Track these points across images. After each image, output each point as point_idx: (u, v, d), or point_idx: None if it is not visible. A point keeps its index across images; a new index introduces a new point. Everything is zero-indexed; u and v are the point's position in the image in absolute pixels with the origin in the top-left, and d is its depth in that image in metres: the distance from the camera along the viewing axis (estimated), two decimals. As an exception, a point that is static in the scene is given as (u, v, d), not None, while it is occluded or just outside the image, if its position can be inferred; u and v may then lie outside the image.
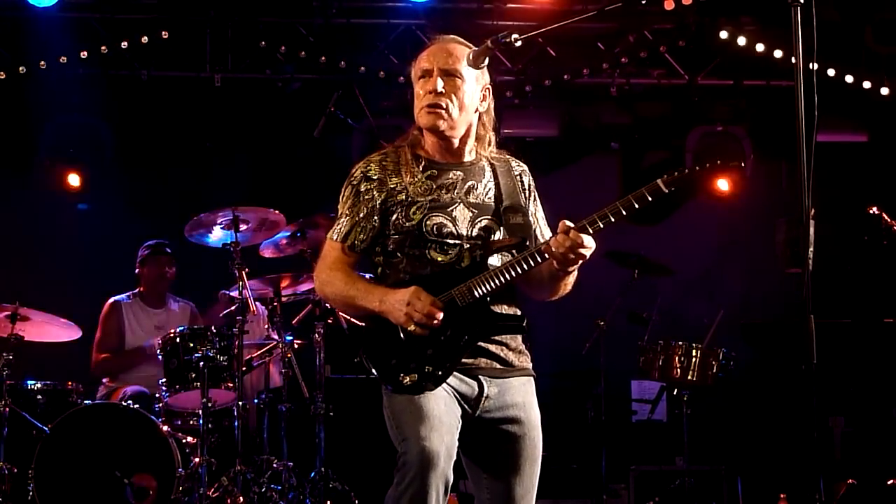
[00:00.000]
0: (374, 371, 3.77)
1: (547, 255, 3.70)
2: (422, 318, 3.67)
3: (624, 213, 3.64)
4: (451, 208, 3.83)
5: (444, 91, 3.83)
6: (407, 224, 3.80)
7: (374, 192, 3.85)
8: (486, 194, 3.91)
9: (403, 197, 3.82)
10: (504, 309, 3.83)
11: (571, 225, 3.66)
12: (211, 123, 9.24)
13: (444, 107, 3.83)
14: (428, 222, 3.79)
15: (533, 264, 3.72)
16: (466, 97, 3.88)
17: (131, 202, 9.16)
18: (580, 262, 3.70)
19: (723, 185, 9.21)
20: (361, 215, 3.86)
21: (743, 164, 3.51)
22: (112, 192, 9.13)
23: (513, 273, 3.73)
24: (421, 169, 3.88)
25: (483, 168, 3.95)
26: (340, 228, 3.89)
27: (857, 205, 7.24)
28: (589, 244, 3.66)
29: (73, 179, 8.89)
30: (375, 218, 3.85)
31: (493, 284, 3.73)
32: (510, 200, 3.90)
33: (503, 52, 8.41)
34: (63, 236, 9.19)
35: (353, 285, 3.84)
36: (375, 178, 3.87)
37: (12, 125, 8.94)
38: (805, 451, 3.53)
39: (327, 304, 7.32)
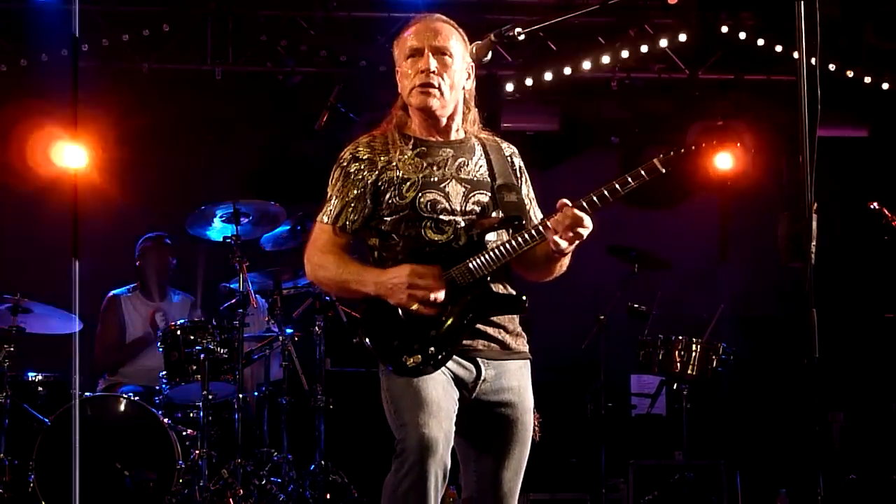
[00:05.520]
0: (374, 351, 3.75)
1: (545, 233, 3.68)
2: (426, 296, 3.66)
3: (621, 191, 3.66)
4: (443, 184, 3.81)
5: (436, 70, 3.84)
6: (400, 202, 3.77)
7: (365, 172, 3.83)
8: (478, 170, 3.90)
9: (394, 175, 3.80)
10: (502, 290, 3.82)
11: (570, 203, 3.66)
12: (212, 116, 9.23)
13: (437, 85, 3.84)
14: (421, 199, 3.77)
15: (531, 241, 3.71)
16: (456, 75, 3.89)
17: (132, 194, 9.15)
18: (577, 241, 3.67)
19: (724, 162, 9.10)
20: (352, 195, 3.83)
21: (739, 144, 3.56)
22: (113, 184, 9.12)
23: (511, 249, 3.72)
24: (410, 147, 3.88)
25: (473, 146, 3.95)
26: (330, 210, 3.86)
27: (858, 200, 7.25)
28: (587, 223, 3.64)
29: (74, 151, 8.85)
30: (367, 198, 3.82)
31: (491, 261, 3.72)
32: (503, 179, 3.89)
33: (503, 46, 8.41)
34: (64, 228, 9.17)
35: (345, 269, 3.80)
36: (365, 157, 3.86)
37: (13, 118, 8.92)
38: (805, 445, 3.53)
39: (320, 289, 7.33)
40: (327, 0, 8.64)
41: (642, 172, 3.67)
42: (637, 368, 8.10)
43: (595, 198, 3.66)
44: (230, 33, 8.74)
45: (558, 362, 8.77)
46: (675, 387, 7.83)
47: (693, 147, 3.72)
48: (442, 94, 3.85)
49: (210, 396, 6.87)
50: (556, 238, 3.65)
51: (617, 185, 3.66)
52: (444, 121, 3.92)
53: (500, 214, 3.84)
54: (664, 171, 3.68)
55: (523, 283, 3.96)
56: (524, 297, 3.82)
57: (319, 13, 8.73)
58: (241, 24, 8.72)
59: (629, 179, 3.66)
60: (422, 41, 3.88)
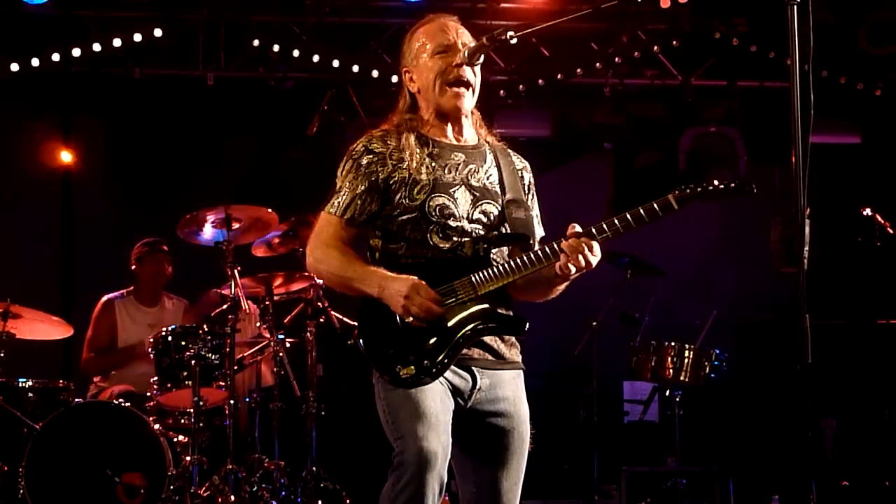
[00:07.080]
0: (368, 358, 3.70)
1: (552, 256, 3.62)
2: (419, 313, 3.60)
3: (633, 224, 3.60)
4: (452, 189, 3.76)
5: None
6: (410, 204, 3.71)
7: (377, 167, 3.76)
8: (488, 179, 3.84)
9: (406, 175, 3.73)
10: (503, 310, 3.76)
11: (580, 229, 3.62)
12: (204, 122, 9.22)
13: (472, 83, 3.81)
14: (431, 203, 3.71)
15: (537, 263, 3.64)
16: (479, 75, 3.86)
17: (124, 200, 9.14)
18: (583, 270, 3.62)
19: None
20: (362, 188, 3.75)
21: (756, 191, 3.48)
22: (104, 189, 9.11)
23: (517, 267, 3.65)
24: (423, 149, 3.80)
25: (485, 154, 3.89)
26: (339, 202, 3.78)
27: (851, 206, 7.25)
28: (596, 251, 3.60)
29: (65, 156, 8.84)
30: (376, 193, 3.75)
31: (495, 276, 3.66)
32: (513, 193, 3.84)
33: (496, 51, 8.40)
34: (55, 233, 9.16)
35: (350, 266, 3.74)
36: (378, 151, 3.78)
37: (3, 122, 8.90)
38: (797, 452, 3.52)
39: (312, 295, 7.33)
40: (319, 6, 8.63)
41: (656, 208, 3.59)
42: (629, 375, 8.09)
43: (606, 227, 3.61)
44: (222, 39, 8.74)
45: (551, 368, 8.76)
46: (667, 393, 7.83)
47: (710, 187, 3.63)
48: (473, 93, 3.83)
49: (201, 402, 6.84)
50: (566, 263, 3.60)
51: (630, 218, 3.59)
52: (461, 121, 3.87)
53: (508, 229, 3.79)
54: (678, 208, 3.61)
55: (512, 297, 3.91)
56: (526, 322, 3.75)
57: (312, 19, 8.73)
58: (233, 30, 8.72)
59: (643, 214, 3.59)
60: (454, 37, 3.84)
